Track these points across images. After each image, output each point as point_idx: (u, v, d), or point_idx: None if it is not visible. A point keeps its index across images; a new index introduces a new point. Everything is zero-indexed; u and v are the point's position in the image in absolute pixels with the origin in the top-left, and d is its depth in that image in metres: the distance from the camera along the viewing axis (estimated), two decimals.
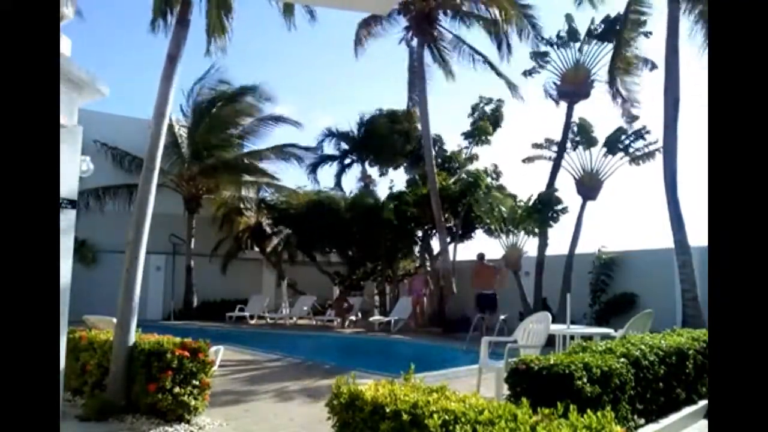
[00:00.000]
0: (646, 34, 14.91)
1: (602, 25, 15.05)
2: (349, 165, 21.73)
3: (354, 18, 18.42)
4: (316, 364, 9.46)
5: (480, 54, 17.90)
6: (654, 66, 15.44)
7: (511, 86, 17.84)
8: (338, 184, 21.47)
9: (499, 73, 17.77)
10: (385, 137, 19.52)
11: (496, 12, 16.26)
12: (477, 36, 17.57)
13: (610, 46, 15.06)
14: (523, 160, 16.83)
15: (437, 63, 18.61)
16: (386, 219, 17.68)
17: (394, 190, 19.94)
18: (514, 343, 6.57)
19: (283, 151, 20.38)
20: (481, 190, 17.37)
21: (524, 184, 37.30)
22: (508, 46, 16.83)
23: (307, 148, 20.75)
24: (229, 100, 19.25)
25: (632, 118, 15.46)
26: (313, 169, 21.35)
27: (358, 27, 18.72)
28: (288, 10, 10.64)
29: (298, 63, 32.27)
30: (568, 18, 15.41)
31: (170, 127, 18.73)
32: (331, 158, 21.69)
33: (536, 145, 16.36)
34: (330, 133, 21.40)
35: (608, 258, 15.22)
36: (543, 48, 16.09)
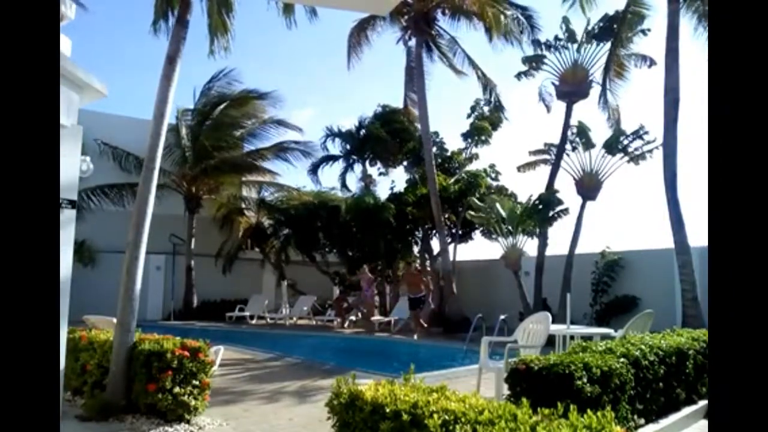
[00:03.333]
0: (644, 32, 14.92)
1: (600, 24, 15.04)
2: (352, 165, 21.73)
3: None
4: (315, 364, 9.46)
5: (472, 61, 17.95)
6: (653, 62, 15.43)
7: (498, 107, 18.03)
8: (344, 184, 21.47)
9: (482, 80, 17.87)
10: (385, 136, 19.51)
11: (492, 13, 16.19)
12: (478, 33, 17.61)
13: (609, 45, 15.08)
14: (519, 168, 16.92)
15: (434, 61, 18.59)
16: (386, 219, 17.67)
17: (395, 190, 19.97)
18: (514, 344, 6.57)
19: (283, 150, 20.38)
20: (481, 189, 17.37)
21: (524, 184, 37.34)
22: (517, 39, 16.71)
23: (307, 148, 20.74)
24: (234, 102, 19.27)
25: (618, 123, 15.54)
26: (314, 169, 21.35)
27: (352, 27, 18.79)
28: (287, 9, 10.64)
29: (298, 63, 32.31)
30: (565, 20, 15.42)
31: (176, 126, 18.77)
32: (332, 158, 21.68)
33: (534, 152, 16.43)
34: (331, 133, 21.40)
35: (612, 259, 15.20)
36: (540, 50, 16.07)
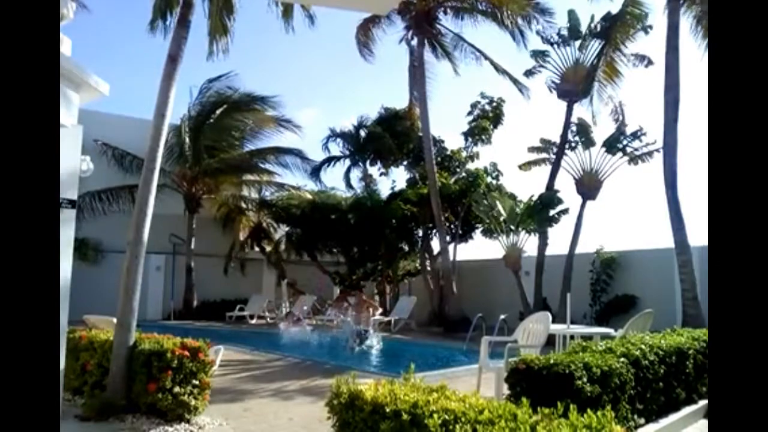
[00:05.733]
0: (646, 30, 14.88)
1: (602, 23, 15.03)
2: (355, 164, 21.74)
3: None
4: (315, 364, 9.46)
5: (481, 52, 17.81)
6: (650, 62, 15.40)
7: (515, 81, 17.53)
8: (348, 183, 21.45)
9: (499, 70, 17.64)
10: (386, 137, 19.53)
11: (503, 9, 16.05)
12: (482, 31, 17.59)
13: (607, 44, 15.07)
14: (520, 167, 16.84)
15: (439, 58, 18.49)
16: (387, 218, 17.67)
17: (396, 189, 19.96)
18: (514, 343, 6.57)
19: (283, 155, 20.42)
20: (481, 189, 17.36)
21: (525, 183, 37.35)
22: (521, 33, 16.41)
23: (306, 158, 20.78)
24: (235, 104, 19.28)
25: (622, 123, 15.50)
26: (316, 172, 21.34)
27: (358, 25, 18.78)
28: (287, 13, 10.62)
29: (301, 63, 32.30)
30: (571, 15, 15.38)
31: (177, 127, 18.78)
32: (333, 159, 21.69)
33: (533, 149, 16.39)
34: (333, 134, 21.42)
35: (608, 258, 15.21)
36: (544, 46, 16.06)
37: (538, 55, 16.07)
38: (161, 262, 18.92)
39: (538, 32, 16.02)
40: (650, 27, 14.79)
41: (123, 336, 5.69)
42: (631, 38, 15.12)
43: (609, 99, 15.75)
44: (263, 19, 27.17)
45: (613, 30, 14.70)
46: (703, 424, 5.45)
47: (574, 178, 15.22)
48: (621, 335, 6.76)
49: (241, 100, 19.26)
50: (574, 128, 15.37)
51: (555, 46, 15.72)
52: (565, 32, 15.54)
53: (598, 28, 15.09)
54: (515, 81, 17.44)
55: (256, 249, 21.27)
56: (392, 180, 21.19)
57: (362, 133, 20.84)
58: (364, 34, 18.68)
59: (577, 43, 15.45)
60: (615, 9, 14.83)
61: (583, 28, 15.40)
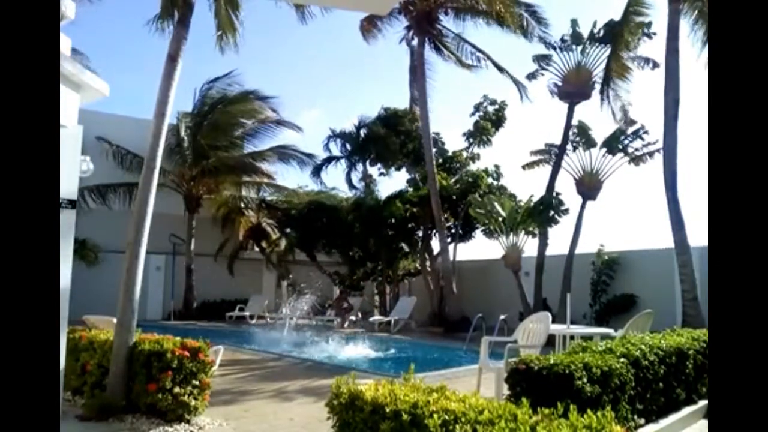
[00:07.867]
0: (649, 36, 14.91)
1: (605, 29, 15.05)
2: (354, 165, 21.74)
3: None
4: (316, 364, 9.46)
5: (482, 52, 17.77)
6: (656, 65, 15.42)
7: (516, 82, 17.52)
8: (351, 184, 21.44)
9: (501, 70, 17.60)
10: (386, 137, 19.53)
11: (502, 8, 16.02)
12: (483, 32, 17.58)
13: (613, 46, 15.08)
14: (524, 167, 16.88)
15: (446, 60, 18.43)
16: (387, 219, 17.67)
17: (402, 190, 19.99)
18: (514, 343, 6.57)
19: (283, 153, 20.44)
20: (482, 190, 17.36)
21: (525, 183, 37.33)
22: (525, 32, 16.31)
23: (308, 155, 20.77)
24: (233, 102, 19.30)
25: (628, 123, 15.48)
26: (317, 172, 21.34)
27: (360, 24, 18.77)
28: (299, 6, 10.71)
29: (306, 64, 32.32)
30: (573, 23, 15.44)
31: (176, 127, 18.78)
32: (334, 159, 21.69)
33: (536, 152, 16.41)
34: (334, 135, 21.43)
35: (609, 258, 15.21)
36: (546, 50, 16.06)
37: (541, 58, 16.09)
38: (161, 262, 18.93)
39: (540, 37, 16.04)
40: (654, 33, 14.84)
41: (123, 336, 5.69)
42: (635, 42, 15.14)
43: (614, 98, 15.76)
44: (267, 21, 27.23)
45: (617, 34, 14.69)
46: (703, 424, 5.45)
47: (575, 178, 15.23)
48: (621, 335, 6.75)
49: (240, 97, 19.29)
50: (575, 129, 15.36)
51: (557, 49, 15.73)
52: (567, 38, 15.56)
53: (602, 33, 15.08)
54: (516, 82, 17.43)
55: (256, 249, 21.27)
56: (404, 183, 21.22)
57: (362, 133, 20.82)
58: (368, 22, 18.67)
59: (579, 47, 15.44)
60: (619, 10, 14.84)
61: (585, 33, 15.39)
